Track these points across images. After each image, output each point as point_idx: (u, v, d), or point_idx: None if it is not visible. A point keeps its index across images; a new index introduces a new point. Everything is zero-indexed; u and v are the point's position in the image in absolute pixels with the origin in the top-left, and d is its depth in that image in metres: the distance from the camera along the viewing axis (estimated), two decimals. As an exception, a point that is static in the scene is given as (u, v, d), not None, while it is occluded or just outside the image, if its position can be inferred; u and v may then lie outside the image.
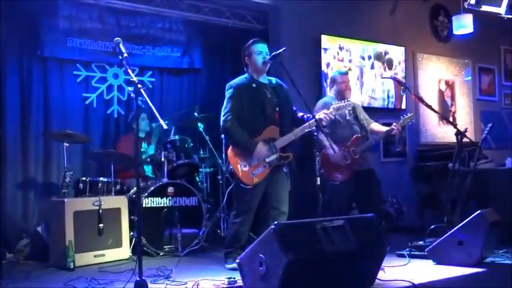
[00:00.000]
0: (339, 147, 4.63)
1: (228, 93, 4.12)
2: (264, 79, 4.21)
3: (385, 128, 4.89)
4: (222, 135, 5.26)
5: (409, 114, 4.85)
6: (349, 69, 5.09)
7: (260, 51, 4.11)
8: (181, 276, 3.67)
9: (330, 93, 5.09)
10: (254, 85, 4.12)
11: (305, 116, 4.17)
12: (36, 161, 5.40)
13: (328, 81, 5.25)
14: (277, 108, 4.14)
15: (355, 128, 4.88)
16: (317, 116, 3.94)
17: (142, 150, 5.56)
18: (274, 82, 4.25)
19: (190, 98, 6.42)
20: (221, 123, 4.09)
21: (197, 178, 5.70)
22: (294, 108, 4.31)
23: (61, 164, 5.20)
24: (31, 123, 5.39)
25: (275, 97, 4.16)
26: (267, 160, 4.02)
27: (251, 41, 4.21)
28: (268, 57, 4.08)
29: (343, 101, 4.16)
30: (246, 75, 4.21)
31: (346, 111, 4.71)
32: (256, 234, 4.66)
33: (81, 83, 5.75)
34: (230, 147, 4.11)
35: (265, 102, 4.09)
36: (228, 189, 5.39)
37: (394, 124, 4.76)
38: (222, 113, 4.08)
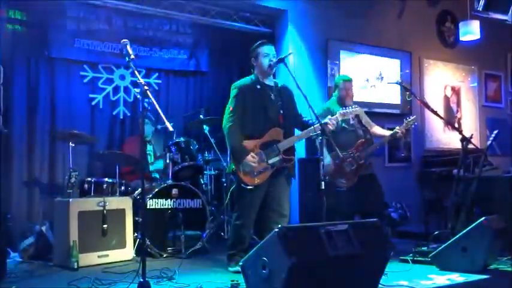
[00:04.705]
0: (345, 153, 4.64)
1: (232, 93, 4.14)
2: (269, 81, 4.21)
3: (388, 132, 4.91)
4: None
5: (411, 117, 4.89)
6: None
7: (267, 53, 4.11)
8: (185, 278, 3.68)
9: (333, 97, 5.13)
10: (258, 86, 4.13)
11: (310, 120, 4.18)
12: (41, 161, 5.42)
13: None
14: (281, 111, 4.13)
15: (359, 133, 4.90)
16: (323, 121, 3.94)
17: (149, 162, 5.56)
18: (279, 84, 4.26)
19: (196, 100, 6.44)
20: (223, 123, 4.10)
21: (201, 180, 5.71)
22: (299, 112, 4.32)
23: (66, 164, 5.23)
24: (37, 123, 5.42)
25: (279, 100, 4.15)
26: (270, 162, 4.01)
27: (258, 42, 4.22)
28: (274, 60, 4.09)
29: (349, 107, 4.17)
30: (252, 76, 4.22)
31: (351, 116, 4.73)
32: (259, 237, 4.66)
33: (87, 84, 5.78)
34: None
35: (268, 105, 4.09)
36: (231, 190, 5.41)
37: (398, 127, 4.79)
38: (226, 113, 4.10)
